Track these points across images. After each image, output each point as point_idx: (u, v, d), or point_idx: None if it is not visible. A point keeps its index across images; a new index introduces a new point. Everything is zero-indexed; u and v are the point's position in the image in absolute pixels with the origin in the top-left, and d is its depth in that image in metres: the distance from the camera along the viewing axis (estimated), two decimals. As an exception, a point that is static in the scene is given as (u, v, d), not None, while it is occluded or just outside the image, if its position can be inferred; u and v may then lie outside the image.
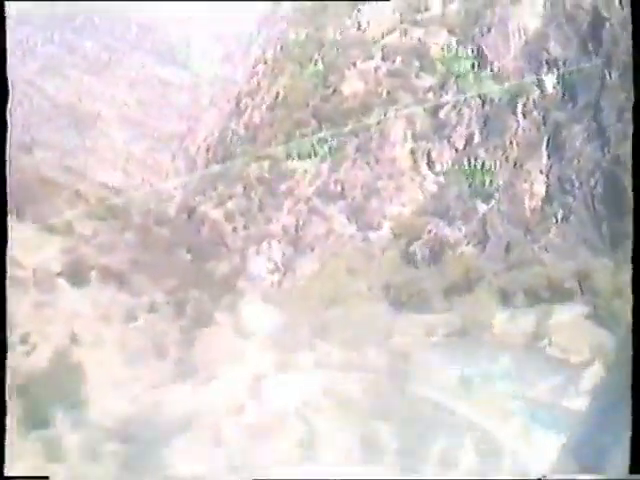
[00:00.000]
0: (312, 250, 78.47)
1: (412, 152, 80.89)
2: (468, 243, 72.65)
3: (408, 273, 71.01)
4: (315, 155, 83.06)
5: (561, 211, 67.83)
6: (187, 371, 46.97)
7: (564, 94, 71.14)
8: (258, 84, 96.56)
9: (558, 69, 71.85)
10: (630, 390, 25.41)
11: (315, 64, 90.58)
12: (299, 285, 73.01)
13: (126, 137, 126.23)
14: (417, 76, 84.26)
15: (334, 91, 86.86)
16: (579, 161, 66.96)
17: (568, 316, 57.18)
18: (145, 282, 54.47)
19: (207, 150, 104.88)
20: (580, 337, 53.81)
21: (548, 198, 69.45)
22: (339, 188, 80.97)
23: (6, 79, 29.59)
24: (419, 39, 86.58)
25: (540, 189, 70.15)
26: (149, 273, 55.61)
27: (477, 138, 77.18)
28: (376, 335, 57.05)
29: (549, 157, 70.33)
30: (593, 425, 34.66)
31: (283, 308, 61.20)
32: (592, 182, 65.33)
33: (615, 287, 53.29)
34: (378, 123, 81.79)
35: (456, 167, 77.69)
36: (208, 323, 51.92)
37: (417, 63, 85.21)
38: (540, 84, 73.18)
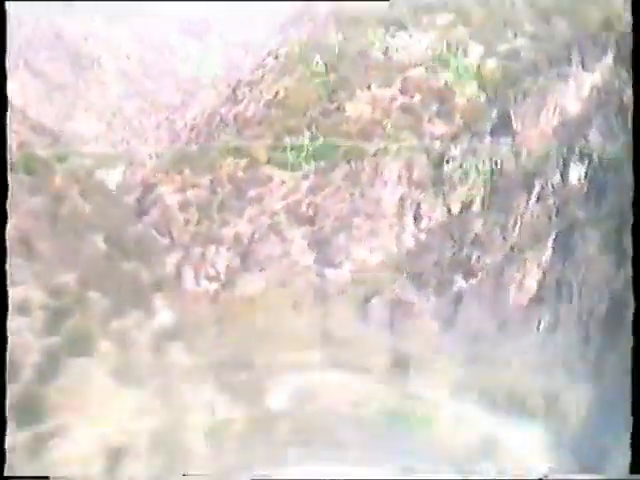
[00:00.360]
0: (261, 270, 66.07)
1: (402, 198, 68.91)
2: (433, 317, 60.03)
3: (357, 329, 59.27)
4: (298, 169, 71.07)
5: (548, 317, 55.26)
6: (34, 416, 31.60)
7: (590, 191, 57.47)
8: (262, 77, 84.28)
9: (590, 162, 58.25)
10: (630, 390, 26.24)
11: (327, 74, 77.63)
12: (234, 308, 58.81)
13: (120, 91, 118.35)
14: (431, 120, 72.32)
15: (338, 108, 74.49)
16: (587, 270, 53.39)
17: (524, 437, 47.00)
18: (26, 270, 38.38)
19: (192, 129, 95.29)
20: (533, 466, 43.55)
21: (538, 297, 56.78)
22: (311, 212, 69.06)
23: (6, 80, 31.64)
24: (446, 83, 74.23)
25: (532, 285, 57.80)
26: (38, 259, 39.47)
27: (477, 206, 65.11)
28: (298, 394, 44.08)
29: (553, 253, 56.94)
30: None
31: (200, 338, 46.51)
32: (595, 298, 52.32)
33: (590, 418, 44.33)
34: (374, 155, 69.56)
35: (444, 230, 65.60)
36: (87, 350, 36.30)
37: (435, 107, 73.10)
38: (565, 171, 59.70)
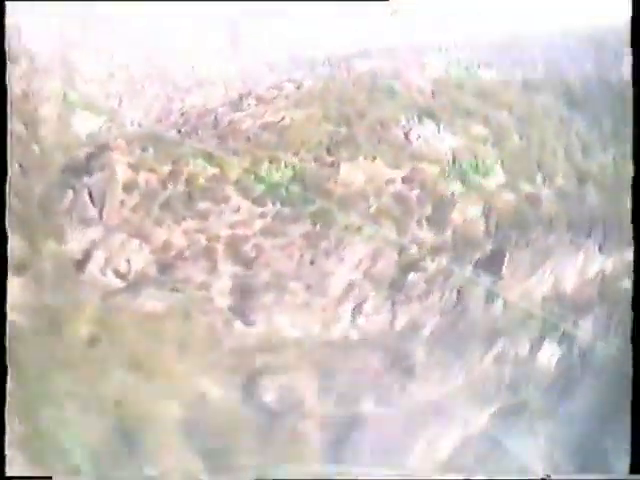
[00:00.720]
0: (172, 290, 55.13)
1: (350, 285, 57.93)
2: (323, 427, 48.19)
3: (233, 405, 48.22)
4: (260, 204, 61.27)
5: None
6: None
7: (557, 380, 47.36)
8: (273, 98, 73.96)
9: (570, 350, 49.64)
10: (630, 390, 27.57)
11: (339, 125, 67.70)
12: (120, 320, 47.35)
13: (131, 53, 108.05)
14: (419, 222, 62.02)
15: (332, 164, 64.39)
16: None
17: None
18: None
19: (182, 114, 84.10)
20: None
21: (454, 464, 45.73)
22: (253, 254, 58.38)
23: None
24: (452, 193, 64.07)
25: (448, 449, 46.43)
26: None
27: (425, 333, 54.44)
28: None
29: (488, 425, 46.59)
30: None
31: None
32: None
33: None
34: (345, 228, 59.44)
35: (378, 340, 54.53)
36: None
37: (430, 211, 62.69)
38: (537, 345, 50.06)
